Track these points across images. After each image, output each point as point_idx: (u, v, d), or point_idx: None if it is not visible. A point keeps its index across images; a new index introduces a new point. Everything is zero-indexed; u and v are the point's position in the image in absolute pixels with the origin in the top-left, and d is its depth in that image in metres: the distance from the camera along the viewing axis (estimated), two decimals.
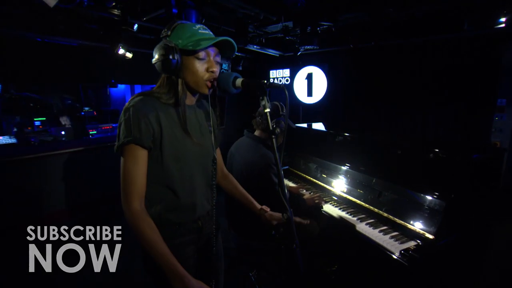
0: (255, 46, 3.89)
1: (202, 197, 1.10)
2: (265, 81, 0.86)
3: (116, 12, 2.48)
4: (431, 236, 1.46)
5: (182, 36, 0.95)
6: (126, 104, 0.94)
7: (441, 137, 2.97)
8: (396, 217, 1.69)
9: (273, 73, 4.91)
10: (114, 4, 2.17)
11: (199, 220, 1.09)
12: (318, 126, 3.22)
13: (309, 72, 4.23)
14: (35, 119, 4.99)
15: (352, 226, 1.80)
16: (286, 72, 4.70)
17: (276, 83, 0.86)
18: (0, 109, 4.90)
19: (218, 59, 1.01)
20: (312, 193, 2.32)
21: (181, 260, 1.05)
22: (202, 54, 0.96)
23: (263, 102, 0.86)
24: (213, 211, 1.15)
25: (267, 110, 0.87)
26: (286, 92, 0.84)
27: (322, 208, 2.07)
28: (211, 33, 0.99)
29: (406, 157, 1.92)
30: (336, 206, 2.06)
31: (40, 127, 5.09)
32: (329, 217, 2.01)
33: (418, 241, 1.50)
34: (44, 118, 5.15)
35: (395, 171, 1.90)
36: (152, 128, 0.93)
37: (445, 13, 2.43)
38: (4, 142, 4.71)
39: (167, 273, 0.87)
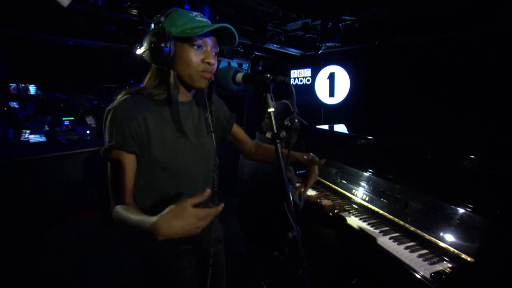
0: (274, 45, 3.77)
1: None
2: (268, 75, 0.74)
3: (133, 12, 2.48)
4: (469, 258, 1.25)
5: (177, 23, 0.84)
6: (110, 105, 0.86)
7: (480, 141, 2.66)
8: (425, 232, 1.49)
9: (294, 73, 4.76)
10: (129, 4, 2.15)
11: None
12: (340, 128, 3.03)
13: (331, 71, 4.05)
14: (63, 118, 5.23)
15: (373, 239, 1.62)
16: (307, 72, 4.53)
17: (280, 76, 0.73)
18: (33, 109, 5.19)
19: (216, 50, 0.90)
20: (331, 200, 2.16)
21: (174, 272, 0.97)
22: (198, 42, 0.85)
23: (266, 100, 0.75)
24: (214, 219, 1.05)
25: (271, 109, 0.75)
26: (293, 89, 0.72)
27: (346, 221, 1.89)
28: (209, 21, 0.89)
29: (437, 163, 1.71)
30: (356, 216, 1.89)
31: (69, 126, 5.33)
32: (348, 227, 1.84)
33: (453, 263, 1.30)
34: (73, 118, 5.39)
35: (424, 178, 1.70)
36: (136, 132, 0.84)
37: (489, 2, 2.16)
38: (35, 140, 4.98)
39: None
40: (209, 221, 0.72)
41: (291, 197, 0.77)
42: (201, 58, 0.86)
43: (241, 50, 4.34)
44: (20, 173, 3.06)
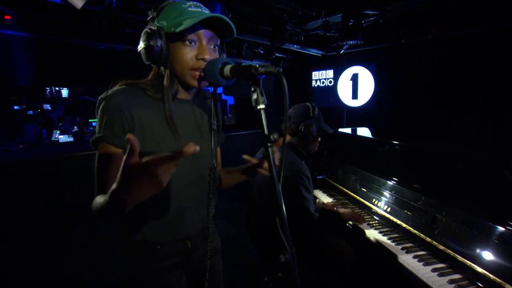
0: (294, 46, 3.64)
1: (193, 212, 0.90)
2: (257, 65, 0.63)
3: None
4: None
5: (169, 17, 0.77)
6: (104, 93, 0.79)
7: None
8: (457, 253, 1.28)
9: (316, 75, 4.60)
10: (144, 5, 2.14)
11: (187, 240, 0.90)
12: (363, 131, 2.83)
13: (355, 72, 3.84)
14: (90, 120, 5.48)
15: (394, 256, 1.43)
16: (330, 73, 4.35)
17: (270, 67, 0.62)
18: (63, 111, 5.49)
19: (215, 42, 0.82)
20: (350, 209, 1.99)
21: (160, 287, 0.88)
22: (190, 36, 0.77)
23: (254, 96, 0.63)
24: (208, 229, 0.95)
25: (260, 106, 0.63)
26: (284, 81, 0.60)
27: (365, 233, 1.71)
28: (204, 11, 0.79)
29: (472, 172, 1.49)
30: (376, 229, 1.70)
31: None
32: (367, 241, 1.66)
33: None
34: None
35: (457, 190, 1.48)
36: (128, 125, 0.77)
37: None
38: (64, 140, 5.24)
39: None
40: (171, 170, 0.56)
41: (284, 212, 0.64)
42: (194, 54, 0.79)
43: (261, 52, 4.26)
44: (50, 171, 3.19)
